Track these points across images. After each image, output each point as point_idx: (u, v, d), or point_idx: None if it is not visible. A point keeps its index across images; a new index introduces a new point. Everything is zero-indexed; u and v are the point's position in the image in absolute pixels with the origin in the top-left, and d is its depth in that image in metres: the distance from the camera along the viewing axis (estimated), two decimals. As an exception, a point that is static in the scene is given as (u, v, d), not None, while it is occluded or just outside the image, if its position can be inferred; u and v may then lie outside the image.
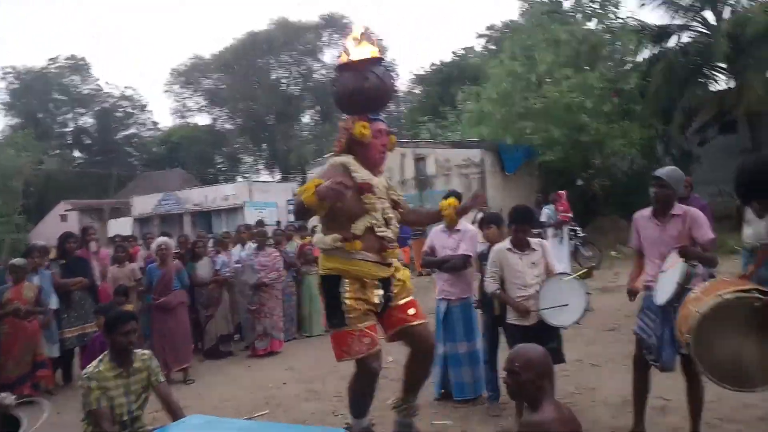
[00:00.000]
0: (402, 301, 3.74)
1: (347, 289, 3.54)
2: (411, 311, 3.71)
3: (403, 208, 3.93)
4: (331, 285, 3.61)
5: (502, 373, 4.99)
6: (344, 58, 3.71)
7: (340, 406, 5.44)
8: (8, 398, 3.17)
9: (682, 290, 3.58)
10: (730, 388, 2.80)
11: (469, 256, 5.14)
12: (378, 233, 3.57)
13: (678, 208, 3.96)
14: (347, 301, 3.52)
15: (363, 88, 3.56)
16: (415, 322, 3.70)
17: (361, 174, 3.60)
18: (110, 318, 3.91)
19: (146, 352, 4.03)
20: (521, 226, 4.53)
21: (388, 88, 3.72)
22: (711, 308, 2.79)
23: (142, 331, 7.41)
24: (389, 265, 3.70)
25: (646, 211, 4.11)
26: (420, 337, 3.72)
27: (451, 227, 5.17)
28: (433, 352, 3.87)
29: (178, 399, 4.06)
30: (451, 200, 3.97)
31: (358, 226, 3.52)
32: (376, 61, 3.68)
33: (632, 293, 4.22)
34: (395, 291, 3.73)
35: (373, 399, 3.78)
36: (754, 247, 5.84)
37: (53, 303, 6.69)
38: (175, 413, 3.86)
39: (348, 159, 3.65)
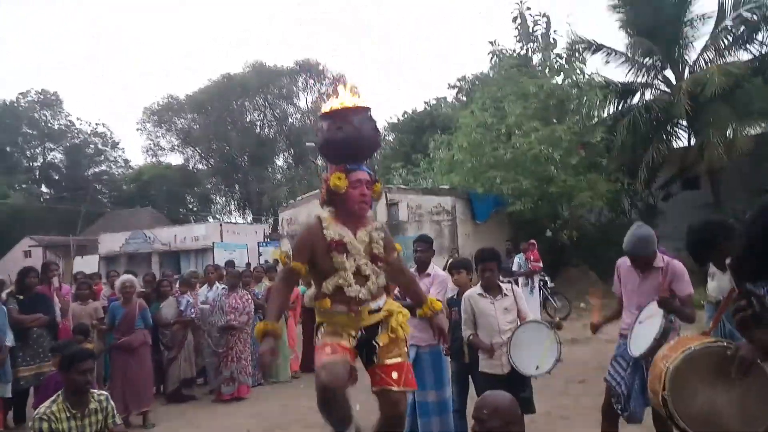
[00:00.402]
0: (389, 361, 3.52)
1: (323, 331, 3.54)
2: (394, 375, 3.49)
3: (391, 264, 3.68)
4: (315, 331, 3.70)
5: (471, 422, 4.99)
6: (324, 108, 3.75)
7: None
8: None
9: (659, 345, 3.58)
10: None
11: (439, 301, 5.13)
12: (348, 293, 3.47)
13: (660, 260, 4.01)
14: (320, 336, 3.55)
15: (336, 137, 3.53)
16: (394, 388, 3.48)
17: (332, 231, 3.52)
18: (66, 355, 3.79)
19: (103, 392, 3.92)
20: (487, 264, 4.56)
21: (365, 137, 3.59)
22: (683, 360, 2.82)
23: (103, 372, 7.23)
24: (373, 312, 3.55)
25: (629, 261, 4.15)
26: (392, 404, 3.51)
27: (420, 272, 5.18)
28: (401, 422, 3.63)
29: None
30: (437, 305, 3.80)
31: (327, 285, 3.48)
32: (355, 110, 3.61)
33: (594, 327, 4.34)
34: (382, 342, 3.52)
35: (347, 410, 3.46)
36: (718, 301, 5.96)
37: (9, 340, 6.42)
38: (130, 458, 3.74)
39: (324, 214, 3.62)
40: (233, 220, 41.68)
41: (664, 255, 7.11)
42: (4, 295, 6.87)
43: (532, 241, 13.09)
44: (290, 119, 45.49)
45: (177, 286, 8.64)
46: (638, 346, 3.76)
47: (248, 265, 16.48)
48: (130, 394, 6.60)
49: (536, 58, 19.34)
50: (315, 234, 3.51)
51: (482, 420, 2.50)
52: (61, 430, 3.54)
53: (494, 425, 2.48)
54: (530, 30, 19.33)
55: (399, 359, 3.53)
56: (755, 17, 16.58)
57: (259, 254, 24.28)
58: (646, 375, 3.83)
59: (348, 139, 3.56)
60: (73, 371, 3.62)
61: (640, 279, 4.01)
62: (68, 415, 3.60)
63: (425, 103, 33.48)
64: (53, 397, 3.70)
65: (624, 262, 4.19)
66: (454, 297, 5.03)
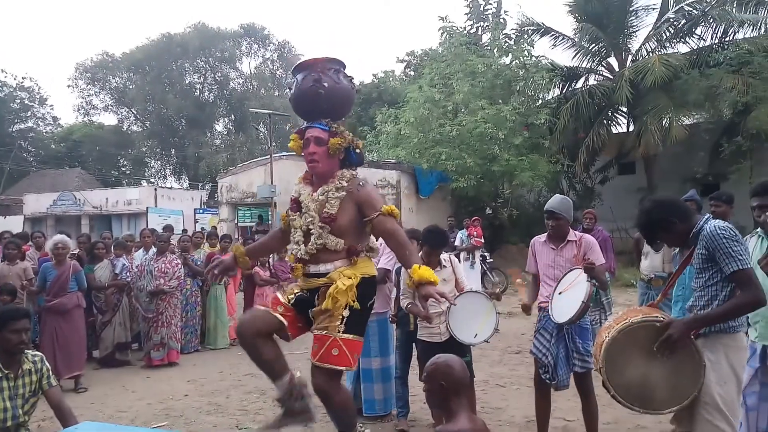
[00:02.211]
0: (315, 331, 3.28)
1: None
2: (315, 346, 3.25)
3: (374, 225, 3.32)
4: None
5: (413, 390, 5.05)
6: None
7: (244, 420, 5.28)
8: None
9: (586, 308, 3.81)
10: (639, 410, 2.92)
11: (388, 270, 5.12)
12: (290, 250, 3.50)
13: (572, 235, 4.20)
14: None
15: (290, 97, 3.61)
16: (312, 359, 3.26)
17: (294, 189, 3.58)
18: (0, 314, 3.56)
19: (38, 353, 3.72)
20: (435, 250, 4.56)
21: (305, 93, 3.46)
22: (619, 332, 2.92)
23: (32, 335, 6.88)
24: (314, 277, 3.38)
25: (542, 237, 4.33)
26: (311, 376, 3.30)
27: None
28: (321, 397, 3.28)
29: (70, 406, 3.75)
30: (424, 273, 3.12)
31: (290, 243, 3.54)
32: (296, 69, 3.60)
33: (527, 308, 4.42)
34: (314, 311, 3.32)
35: (271, 359, 3.32)
36: (650, 279, 6.26)
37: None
38: (66, 420, 3.57)
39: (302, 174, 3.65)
40: (169, 185, 40.45)
41: (601, 232, 7.42)
42: None
43: (477, 217, 13.31)
44: (232, 84, 44.12)
45: (112, 248, 8.30)
46: (563, 313, 3.89)
47: (184, 231, 16.05)
48: (61, 357, 6.33)
49: (486, 37, 19.53)
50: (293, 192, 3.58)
51: (434, 379, 2.54)
52: (-9, 391, 3.34)
53: (443, 385, 2.52)
54: (481, 9, 19.44)
55: (324, 332, 3.21)
56: (695, 12, 17.22)
57: (195, 221, 23.74)
58: (569, 341, 4.04)
59: (293, 96, 3.55)
60: (6, 330, 3.40)
61: (555, 252, 4.18)
62: (0, 375, 3.40)
63: (373, 75, 33.27)
64: (-17, 357, 3.48)
65: (538, 239, 4.36)
66: (401, 267, 5.03)
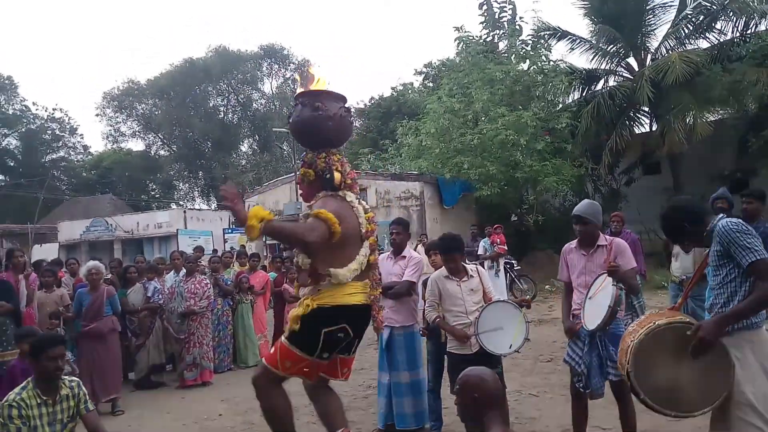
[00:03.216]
0: None
1: None
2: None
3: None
4: None
5: (445, 402, 5.05)
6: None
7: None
8: None
9: (613, 313, 3.71)
10: (670, 413, 2.89)
11: (414, 282, 5.15)
12: None
13: (603, 239, 4.12)
14: None
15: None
16: None
17: None
18: (37, 341, 3.70)
19: (75, 379, 3.84)
20: (448, 255, 4.59)
21: (294, 125, 3.73)
22: (646, 335, 2.91)
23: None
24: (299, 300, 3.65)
25: (573, 243, 4.27)
26: None
27: (396, 254, 5.21)
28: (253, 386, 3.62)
29: (107, 430, 3.85)
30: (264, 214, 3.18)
31: None
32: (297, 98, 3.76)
33: (571, 332, 4.13)
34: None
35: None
36: (682, 281, 6.14)
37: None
38: (104, 443, 3.67)
39: None
40: (197, 207, 41.04)
41: (629, 235, 7.32)
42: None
43: (498, 225, 13.27)
44: (254, 104, 44.80)
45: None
46: (592, 320, 3.83)
47: (215, 251, 16.28)
48: (98, 381, 6.48)
49: (502, 45, 19.48)
50: None
51: (465, 393, 2.51)
52: (31, 417, 3.46)
53: (474, 398, 2.49)
54: (496, 17, 19.43)
55: (279, 340, 3.55)
56: (714, 6, 16.97)
57: (225, 241, 24.01)
58: (602, 349, 3.95)
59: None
60: (43, 358, 3.53)
61: (586, 258, 4.11)
62: (39, 401, 3.52)
63: (392, 89, 33.40)
64: (23, 384, 3.60)
65: (569, 246, 4.30)
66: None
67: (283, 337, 3.41)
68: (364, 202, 3.71)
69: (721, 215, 3.06)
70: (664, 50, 17.86)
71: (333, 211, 3.33)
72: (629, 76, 18.32)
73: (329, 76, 3.90)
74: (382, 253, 5.76)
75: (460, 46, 19.32)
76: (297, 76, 3.88)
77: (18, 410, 3.43)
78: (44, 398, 3.55)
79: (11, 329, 6.37)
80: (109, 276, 8.16)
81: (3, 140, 45.11)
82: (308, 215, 3.41)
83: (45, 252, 23.24)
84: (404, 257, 5.20)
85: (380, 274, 3.85)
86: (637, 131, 18.07)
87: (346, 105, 3.72)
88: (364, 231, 3.52)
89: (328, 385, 3.63)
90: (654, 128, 17.47)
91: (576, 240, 4.24)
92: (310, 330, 3.35)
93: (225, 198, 3.14)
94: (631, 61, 18.58)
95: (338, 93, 3.69)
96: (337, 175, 3.52)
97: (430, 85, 28.54)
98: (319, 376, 3.55)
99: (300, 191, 3.66)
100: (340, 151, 3.71)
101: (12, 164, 45.34)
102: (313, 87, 3.70)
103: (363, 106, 33.98)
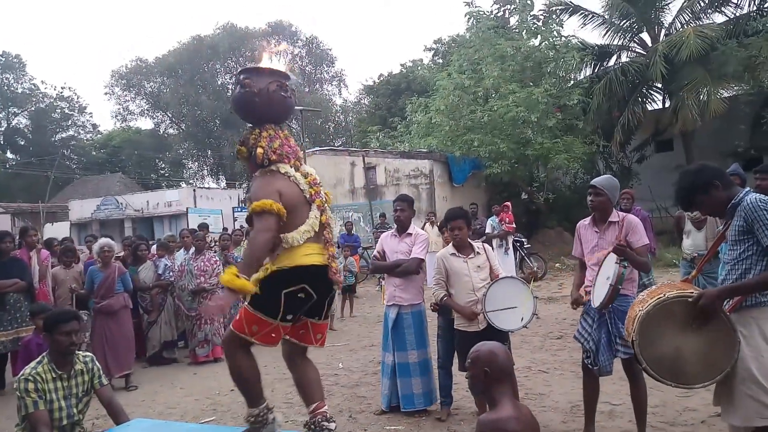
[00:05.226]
0: None
1: None
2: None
3: None
4: None
5: (456, 379, 5.07)
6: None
7: (289, 413, 5.36)
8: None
9: (616, 290, 3.69)
10: (671, 383, 2.90)
11: (422, 259, 5.13)
12: None
13: (615, 215, 4.08)
14: None
15: None
16: None
17: None
18: (51, 317, 3.73)
19: (88, 354, 3.87)
20: (454, 222, 4.57)
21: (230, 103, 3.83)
22: (653, 306, 2.90)
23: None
24: None
25: (587, 220, 4.24)
26: None
27: (401, 232, 5.19)
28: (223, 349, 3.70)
29: (121, 404, 3.90)
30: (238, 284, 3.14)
31: None
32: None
33: (577, 303, 4.20)
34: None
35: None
36: (693, 258, 6.09)
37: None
38: (118, 417, 3.72)
39: None
40: (207, 185, 41.15)
41: (639, 212, 7.26)
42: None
43: (506, 203, 13.19)
44: (263, 82, 44.57)
45: (154, 249, 8.54)
46: (598, 296, 3.83)
47: (225, 229, 16.35)
48: (111, 357, 6.58)
49: (513, 20, 19.23)
50: None
51: (476, 366, 2.53)
52: (47, 390, 3.51)
53: (485, 371, 2.51)
54: (507, -9, 19.16)
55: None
56: (730, -21, 16.66)
57: (234, 219, 24.10)
58: (611, 327, 3.94)
59: None
60: (57, 333, 3.56)
61: (599, 236, 4.09)
62: (54, 375, 3.56)
63: (401, 65, 33.12)
64: (38, 359, 3.65)
65: (582, 223, 4.27)
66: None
67: (246, 302, 3.38)
68: (305, 167, 3.65)
69: (748, 189, 3.00)
70: (678, 25, 17.58)
71: (267, 193, 3.30)
72: (642, 52, 18.07)
73: (277, 53, 3.81)
74: (387, 231, 5.75)
75: (471, 21, 19.09)
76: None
77: (34, 384, 3.48)
78: (59, 372, 3.59)
79: (25, 306, 6.48)
80: (121, 254, 8.22)
81: (13, 119, 45.34)
82: (250, 211, 3.37)
83: (56, 230, 23.47)
84: (410, 234, 5.16)
85: (332, 234, 3.74)
86: (649, 108, 17.85)
87: (282, 81, 3.62)
88: (308, 195, 3.48)
89: (305, 354, 3.62)
90: (667, 105, 17.27)
91: (590, 217, 4.21)
92: (270, 293, 3.32)
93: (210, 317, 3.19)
94: (645, 36, 18.32)
95: (273, 69, 3.63)
96: (259, 151, 3.47)
97: (440, 61, 28.27)
98: (286, 340, 3.55)
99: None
100: (281, 128, 3.64)
101: (22, 143, 45.58)
102: (249, 65, 3.71)
103: (372, 84, 33.77)
